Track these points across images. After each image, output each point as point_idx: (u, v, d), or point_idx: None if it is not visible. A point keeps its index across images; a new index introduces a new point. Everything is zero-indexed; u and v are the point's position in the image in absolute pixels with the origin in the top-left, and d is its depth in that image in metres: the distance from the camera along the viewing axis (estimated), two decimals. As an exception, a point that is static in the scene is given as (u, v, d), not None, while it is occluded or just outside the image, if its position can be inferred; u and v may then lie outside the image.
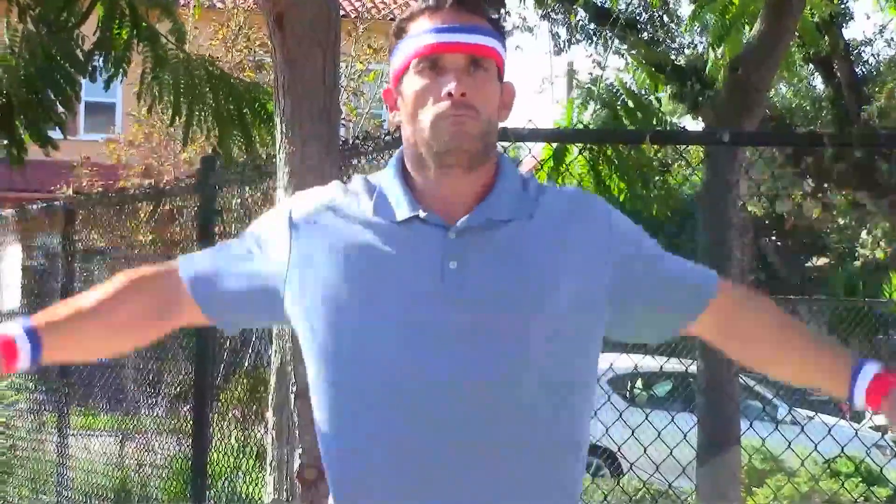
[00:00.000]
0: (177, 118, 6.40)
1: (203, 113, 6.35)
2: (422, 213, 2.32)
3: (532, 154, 5.73)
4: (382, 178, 2.41)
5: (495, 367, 2.26)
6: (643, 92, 7.01)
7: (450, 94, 2.30)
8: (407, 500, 2.27)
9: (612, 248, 2.38)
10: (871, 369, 2.39)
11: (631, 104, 6.71)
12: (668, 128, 7.24)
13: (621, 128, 6.67)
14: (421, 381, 2.26)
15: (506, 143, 5.25)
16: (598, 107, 6.70)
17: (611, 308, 2.39)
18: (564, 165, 6.46)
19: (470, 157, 2.32)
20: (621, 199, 6.50)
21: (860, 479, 10.04)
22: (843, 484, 9.85)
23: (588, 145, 6.41)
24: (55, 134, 6.55)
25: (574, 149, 6.49)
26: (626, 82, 6.88)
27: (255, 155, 6.49)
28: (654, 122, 6.82)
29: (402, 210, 2.34)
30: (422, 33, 2.35)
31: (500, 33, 2.41)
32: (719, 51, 6.83)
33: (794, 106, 18.57)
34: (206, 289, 2.43)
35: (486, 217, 2.33)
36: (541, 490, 2.29)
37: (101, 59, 6.34)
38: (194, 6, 6.66)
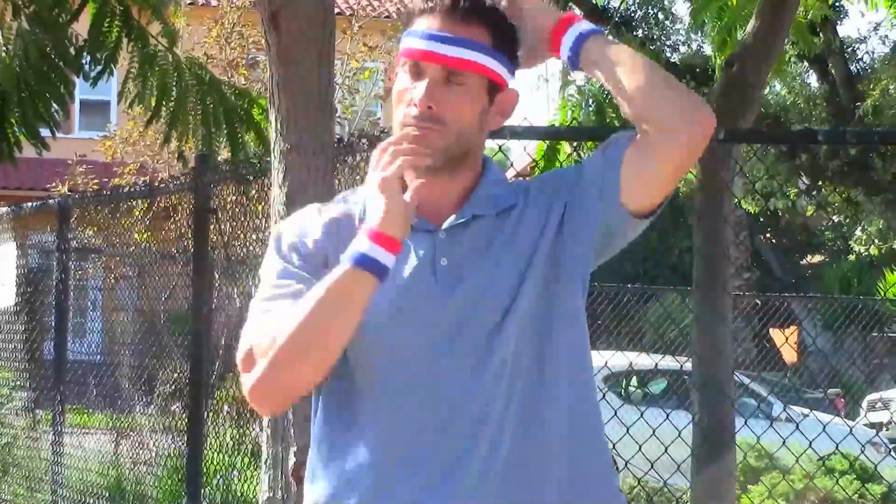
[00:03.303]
0: (155, 120, 6.43)
1: (188, 115, 6.36)
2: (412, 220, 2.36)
3: (526, 151, 5.74)
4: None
5: (485, 361, 2.31)
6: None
7: (419, 105, 2.34)
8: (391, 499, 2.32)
9: (563, 196, 2.41)
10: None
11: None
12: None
13: (611, 126, 6.69)
14: (416, 376, 2.32)
15: (500, 141, 5.25)
16: (590, 108, 6.72)
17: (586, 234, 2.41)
18: (558, 163, 6.47)
19: (435, 167, 2.35)
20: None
21: (855, 476, 10.05)
22: (837, 481, 9.86)
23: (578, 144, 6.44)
24: (48, 132, 6.55)
25: (566, 147, 6.52)
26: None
27: (245, 157, 6.51)
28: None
29: None
30: (413, 34, 2.37)
31: (501, 46, 2.39)
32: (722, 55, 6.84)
33: (788, 103, 18.58)
34: None
35: (472, 213, 2.39)
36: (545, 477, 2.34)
37: (90, 56, 6.35)
38: (187, 3, 6.66)
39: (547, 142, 6.47)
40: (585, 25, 2.40)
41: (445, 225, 2.37)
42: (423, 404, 2.31)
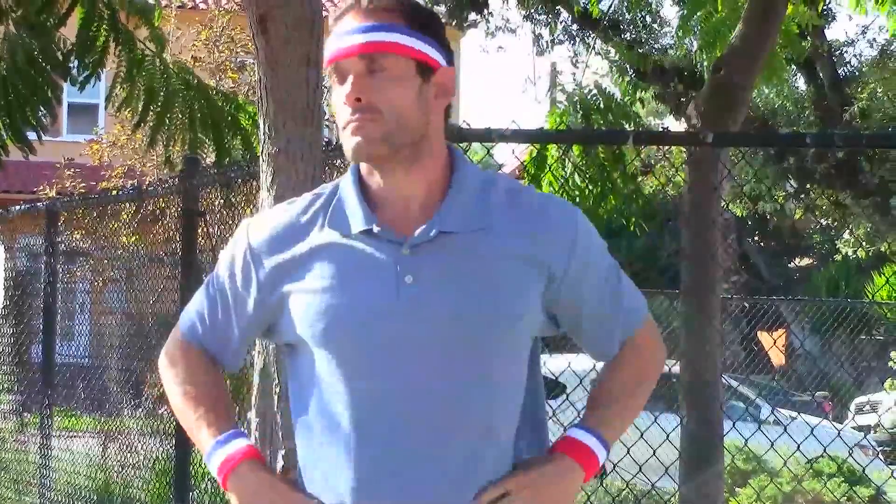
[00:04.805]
0: (142, 125, 6.43)
1: (175, 120, 6.36)
2: (375, 228, 2.32)
3: (515, 154, 5.74)
4: (342, 186, 2.41)
5: (450, 381, 2.29)
6: (623, 98, 7.06)
7: (348, 101, 2.31)
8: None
9: (568, 261, 2.38)
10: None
11: (604, 107, 6.75)
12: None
13: (598, 130, 6.70)
14: (377, 397, 2.30)
15: (489, 143, 5.26)
16: (578, 112, 6.73)
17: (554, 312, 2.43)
18: (546, 167, 6.49)
19: (381, 157, 2.31)
20: (592, 202, 6.52)
21: (842, 479, 10.06)
22: (825, 484, 9.88)
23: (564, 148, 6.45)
24: (35, 136, 6.55)
25: (553, 151, 6.53)
26: (604, 88, 6.93)
27: (231, 161, 6.52)
28: (631, 126, 6.87)
29: (357, 222, 2.34)
30: (328, 42, 2.35)
31: (421, 28, 2.32)
32: (708, 55, 6.86)
33: (776, 107, 18.61)
34: (218, 347, 2.60)
35: (439, 230, 2.31)
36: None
37: (77, 61, 6.35)
38: (177, 7, 6.67)
39: (536, 146, 6.47)
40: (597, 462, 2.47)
41: (410, 241, 2.31)
42: (397, 416, 2.30)
